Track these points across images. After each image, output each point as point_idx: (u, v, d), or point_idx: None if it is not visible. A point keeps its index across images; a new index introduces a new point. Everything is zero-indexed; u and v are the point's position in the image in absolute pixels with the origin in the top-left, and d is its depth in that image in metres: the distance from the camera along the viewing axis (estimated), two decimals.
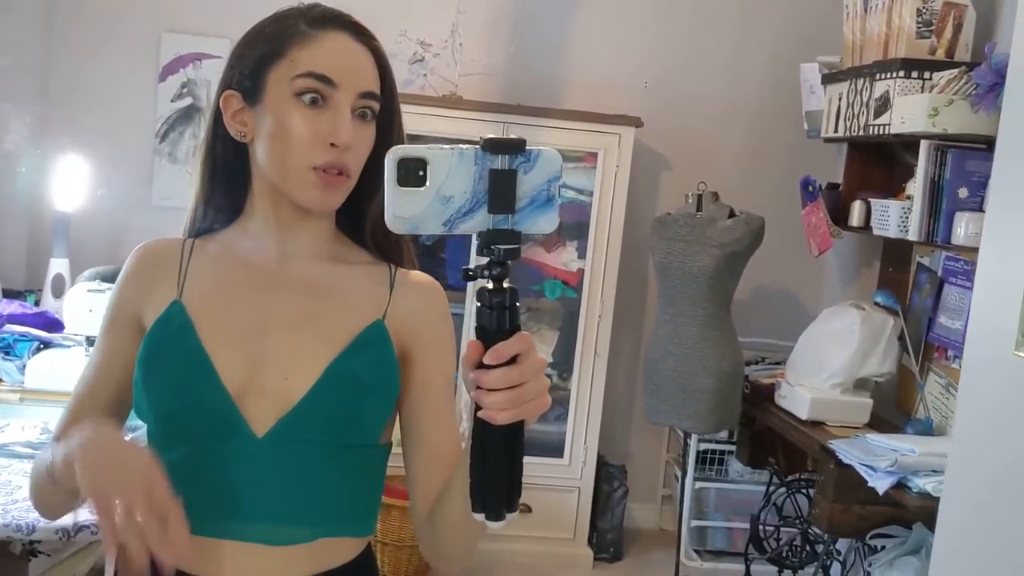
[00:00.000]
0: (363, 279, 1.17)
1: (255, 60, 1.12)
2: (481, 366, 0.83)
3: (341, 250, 1.20)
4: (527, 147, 0.81)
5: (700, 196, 3.44)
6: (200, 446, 1.09)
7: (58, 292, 3.53)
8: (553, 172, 0.82)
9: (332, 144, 1.09)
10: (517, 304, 0.83)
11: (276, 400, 1.09)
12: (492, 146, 0.81)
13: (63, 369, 2.65)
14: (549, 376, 3.87)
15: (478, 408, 0.84)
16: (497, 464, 0.85)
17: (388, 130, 1.16)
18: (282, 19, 1.14)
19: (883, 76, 3.05)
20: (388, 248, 1.21)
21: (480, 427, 0.85)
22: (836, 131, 3.43)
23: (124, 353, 1.16)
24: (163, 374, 1.10)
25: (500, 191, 0.81)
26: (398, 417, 1.18)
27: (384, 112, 1.16)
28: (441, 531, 1.09)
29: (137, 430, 1.75)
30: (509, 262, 0.83)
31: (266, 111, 1.11)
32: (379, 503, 1.21)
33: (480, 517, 0.86)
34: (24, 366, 2.66)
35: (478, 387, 0.83)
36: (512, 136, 0.82)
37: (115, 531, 0.91)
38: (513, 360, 0.83)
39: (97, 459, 0.97)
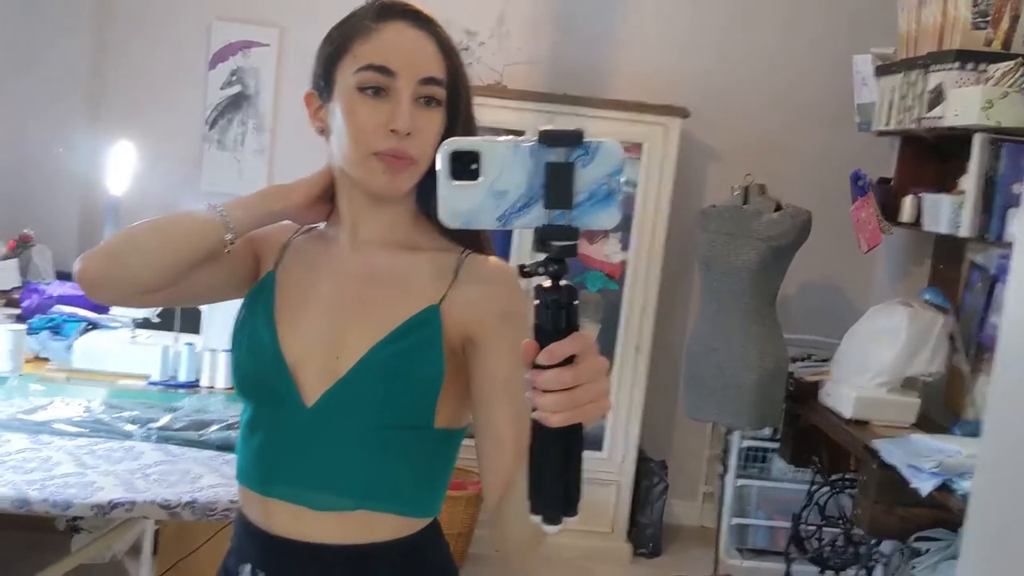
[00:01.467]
0: (428, 265, 1.18)
1: (326, 59, 1.18)
2: (536, 366, 0.80)
3: (417, 236, 1.22)
4: (585, 139, 0.78)
5: (747, 188, 3.39)
6: (262, 408, 1.20)
7: None
8: (614, 165, 0.79)
9: (393, 131, 1.11)
10: (575, 303, 0.80)
11: (325, 376, 1.15)
12: (548, 138, 0.78)
13: (109, 350, 2.70)
14: None
15: (534, 409, 0.81)
16: (553, 467, 0.82)
17: (456, 113, 1.17)
18: (349, 17, 1.18)
19: (937, 68, 2.98)
20: (461, 234, 1.19)
21: (536, 429, 0.82)
22: (888, 124, 3.35)
23: (241, 250, 1.25)
24: (242, 341, 1.21)
25: (557, 185, 0.78)
26: (471, 402, 1.17)
27: (452, 96, 1.16)
28: (505, 523, 1.08)
29: None
30: (566, 259, 0.79)
31: (336, 106, 1.16)
32: (438, 487, 1.22)
33: (537, 519, 0.83)
34: (71, 346, 2.72)
35: (533, 388, 0.81)
36: (569, 127, 0.78)
37: None
38: (570, 361, 0.80)
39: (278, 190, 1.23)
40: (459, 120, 1.18)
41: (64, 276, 3.70)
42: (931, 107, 2.99)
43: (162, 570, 2.47)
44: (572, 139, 0.78)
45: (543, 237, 0.79)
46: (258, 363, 1.18)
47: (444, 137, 1.12)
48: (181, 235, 1.19)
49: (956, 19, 2.96)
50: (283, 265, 1.25)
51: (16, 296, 3.36)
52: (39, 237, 3.78)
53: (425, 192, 1.17)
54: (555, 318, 0.80)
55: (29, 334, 2.71)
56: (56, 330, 2.86)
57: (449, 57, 1.16)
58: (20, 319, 3.01)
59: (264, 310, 1.21)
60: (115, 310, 2.95)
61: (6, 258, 3.61)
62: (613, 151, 0.79)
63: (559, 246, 0.79)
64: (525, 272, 0.81)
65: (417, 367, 1.13)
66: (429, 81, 1.13)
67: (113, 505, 1.77)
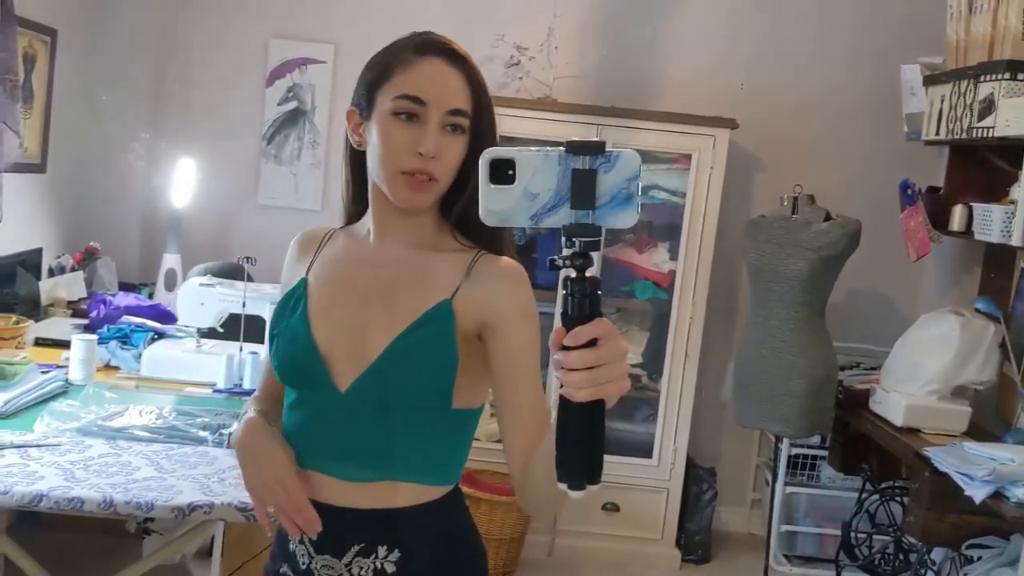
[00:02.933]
0: (446, 264, 1.33)
1: (369, 83, 1.33)
2: (564, 348, 0.91)
3: (438, 239, 1.37)
4: (607, 149, 0.89)
5: (796, 199, 3.42)
6: (301, 394, 1.35)
7: (170, 285, 3.72)
8: (632, 172, 0.89)
9: (420, 153, 1.27)
10: (598, 292, 0.90)
11: (355, 362, 1.30)
12: (574, 148, 0.89)
13: (176, 359, 2.80)
14: (638, 376, 3.91)
15: (561, 386, 0.91)
16: (578, 439, 0.92)
17: (480, 140, 1.31)
18: (393, 48, 1.34)
19: (988, 78, 2.99)
20: (476, 237, 1.37)
21: (563, 404, 0.92)
22: (937, 134, 3.36)
23: None
24: (279, 336, 1.36)
25: (581, 189, 0.89)
26: (492, 385, 1.32)
27: (475, 127, 1.32)
28: (532, 488, 1.23)
29: None
30: (591, 253, 0.90)
31: (373, 125, 1.32)
32: (459, 459, 1.38)
33: (563, 486, 0.94)
34: (140, 355, 2.82)
35: (561, 367, 0.91)
36: (594, 139, 0.89)
37: (267, 517, 1.34)
38: (593, 344, 0.90)
39: (247, 468, 1.35)
40: (483, 145, 1.28)
41: (127, 287, 3.83)
42: (981, 117, 3.00)
43: (228, 572, 2.55)
44: (596, 149, 0.89)
45: (570, 234, 0.90)
46: (294, 353, 1.33)
47: (469, 159, 1.31)
48: None
49: (1007, 29, 2.97)
50: (313, 270, 1.40)
51: (84, 307, 3.48)
52: (104, 250, 3.91)
53: (447, 203, 1.36)
54: (580, 305, 0.90)
55: (99, 344, 2.81)
56: (124, 340, 2.96)
57: (476, 91, 1.32)
58: (88, 329, 3.12)
59: (297, 309, 1.36)
60: (181, 320, 3.06)
61: (73, 270, 3.75)
62: (631, 159, 0.89)
63: (584, 242, 0.90)
64: (555, 265, 0.92)
65: (433, 356, 1.27)
66: (456, 112, 1.29)
67: (192, 508, 1.85)
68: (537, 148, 0.91)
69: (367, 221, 1.40)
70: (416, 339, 1.28)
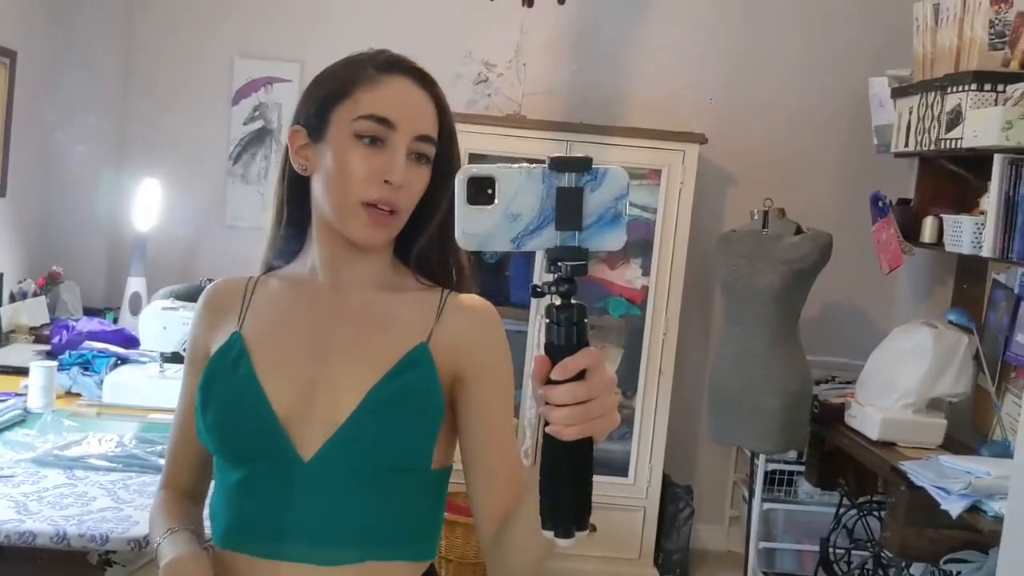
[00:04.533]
0: (412, 304, 1.20)
1: (322, 99, 1.18)
2: (549, 382, 0.83)
3: (396, 279, 1.24)
4: (593, 165, 0.83)
5: (766, 212, 3.40)
6: (253, 469, 1.15)
7: (135, 309, 3.65)
8: (620, 190, 0.83)
9: (386, 181, 1.14)
10: (585, 320, 0.84)
11: (323, 425, 1.13)
12: (559, 165, 0.82)
13: (138, 385, 2.73)
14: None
15: (547, 424, 0.84)
16: (566, 481, 0.85)
17: (446, 170, 1.19)
18: (352, 62, 1.19)
19: (955, 89, 2.99)
20: (436, 275, 1.24)
21: (549, 443, 0.85)
22: (907, 146, 3.36)
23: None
24: (218, 401, 1.16)
25: (567, 209, 0.82)
26: (458, 442, 1.19)
27: (440, 157, 1.20)
28: (509, 550, 1.10)
29: None
30: (576, 278, 0.83)
31: (327, 148, 1.16)
32: (438, 527, 1.23)
33: (549, 534, 0.86)
34: (102, 381, 2.75)
35: (546, 403, 0.84)
36: (578, 155, 0.83)
37: None
38: (581, 376, 0.83)
39: None
40: (450, 175, 1.17)
41: (92, 312, 3.75)
42: (949, 128, 3.00)
43: None
44: (581, 165, 0.82)
45: (554, 257, 0.84)
46: (243, 420, 1.14)
47: (428, 191, 1.19)
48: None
49: (972, 40, 2.97)
50: (247, 322, 1.21)
51: (46, 332, 3.41)
52: (67, 274, 3.84)
53: (402, 239, 1.22)
54: (567, 334, 0.83)
55: (60, 370, 2.74)
56: (86, 366, 2.89)
57: (443, 118, 1.20)
58: (50, 355, 3.05)
59: (238, 368, 1.16)
60: (144, 344, 2.99)
61: (36, 295, 3.67)
62: (619, 177, 0.83)
63: (570, 266, 0.83)
64: (538, 292, 0.85)
65: (416, 406, 1.13)
66: (424, 139, 1.17)
67: (148, 540, 1.79)
68: (518, 165, 0.84)
69: (306, 262, 1.24)
70: (396, 388, 1.12)
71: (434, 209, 1.21)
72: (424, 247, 1.22)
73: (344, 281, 1.21)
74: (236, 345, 1.18)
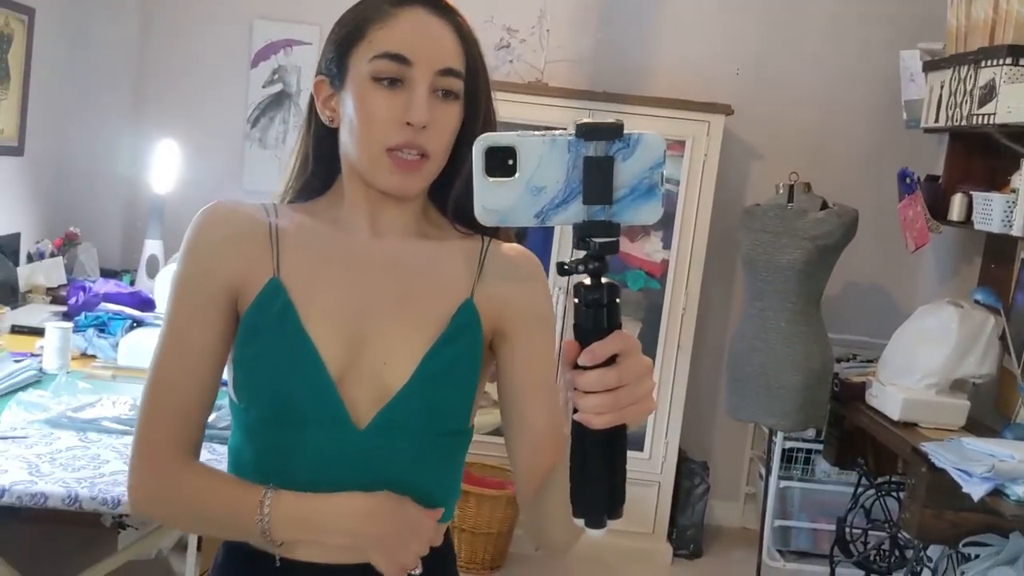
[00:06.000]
0: (453, 255, 1.14)
1: (338, 44, 1.10)
2: (578, 367, 0.78)
3: (432, 226, 1.17)
4: (625, 132, 0.75)
5: (791, 187, 3.34)
6: (302, 431, 1.07)
7: (152, 272, 3.64)
8: (655, 159, 0.76)
9: (408, 123, 1.05)
10: (616, 301, 0.78)
11: (374, 386, 1.07)
12: (586, 132, 0.75)
13: (153, 347, 2.72)
14: None
15: (575, 410, 0.78)
16: (596, 470, 0.80)
17: (475, 109, 1.11)
18: (365, 0, 1.12)
19: (989, 63, 2.91)
20: (475, 223, 1.16)
21: (578, 431, 0.79)
22: (937, 121, 3.29)
23: (216, 339, 1.09)
24: (268, 358, 1.07)
25: (596, 180, 0.75)
26: (498, 396, 1.14)
27: (470, 90, 1.10)
28: (545, 520, 1.05)
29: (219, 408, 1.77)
30: (607, 256, 0.77)
31: (348, 95, 1.09)
32: (459, 489, 1.20)
33: (580, 523, 0.81)
34: (117, 344, 2.74)
35: (575, 388, 0.78)
36: (608, 120, 0.76)
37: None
38: (612, 360, 0.77)
39: (387, 533, 1.06)
40: (479, 115, 1.12)
41: (109, 273, 3.74)
42: (982, 103, 2.93)
43: (206, 566, 2.49)
44: (611, 132, 0.75)
45: (583, 234, 0.77)
46: (296, 382, 1.06)
47: (462, 132, 1.10)
48: (220, 529, 1.14)
49: (1009, 13, 2.89)
50: (287, 271, 1.09)
51: (63, 293, 3.40)
52: (85, 235, 3.82)
53: (437, 184, 1.13)
54: (596, 317, 0.77)
55: (75, 332, 2.73)
56: (102, 328, 2.88)
57: (469, 48, 1.10)
58: (67, 316, 3.04)
59: (285, 323, 1.07)
60: (160, 307, 2.98)
61: (53, 256, 3.66)
62: (654, 144, 0.76)
63: (599, 243, 0.77)
64: (565, 270, 0.78)
65: (464, 372, 1.10)
66: (447, 72, 1.07)
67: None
68: (542, 132, 0.76)
69: (337, 207, 1.15)
70: (448, 358, 1.08)
71: (469, 150, 1.14)
72: (461, 193, 1.12)
73: (380, 227, 1.13)
74: (277, 294, 1.08)
